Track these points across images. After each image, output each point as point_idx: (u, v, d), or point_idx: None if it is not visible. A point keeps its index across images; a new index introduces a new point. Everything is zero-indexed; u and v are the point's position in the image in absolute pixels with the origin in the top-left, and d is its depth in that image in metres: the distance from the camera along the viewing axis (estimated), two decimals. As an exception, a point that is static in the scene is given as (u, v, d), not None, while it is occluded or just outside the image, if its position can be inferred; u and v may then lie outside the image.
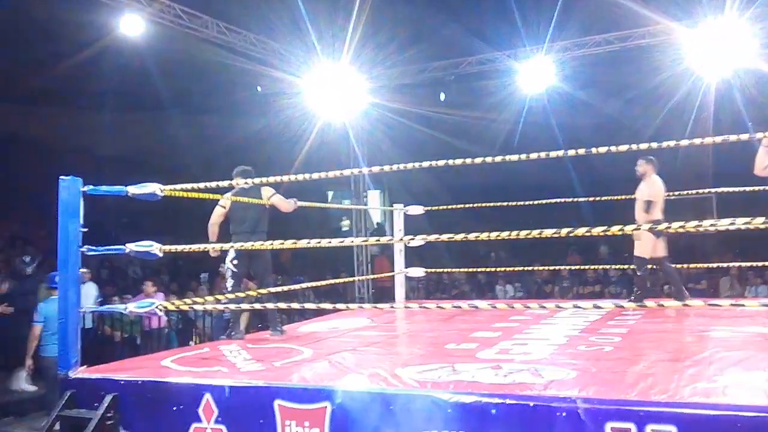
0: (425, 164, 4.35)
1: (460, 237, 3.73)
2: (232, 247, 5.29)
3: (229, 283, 5.46)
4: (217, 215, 5.53)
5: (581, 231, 3.48)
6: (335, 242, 4.44)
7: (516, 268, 11.46)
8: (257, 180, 4.97)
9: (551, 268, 11.39)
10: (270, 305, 5.12)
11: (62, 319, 3.96)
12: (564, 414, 2.77)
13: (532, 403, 2.86)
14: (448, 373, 3.50)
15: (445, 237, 3.79)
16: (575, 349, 4.21)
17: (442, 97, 15.19)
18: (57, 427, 3.66)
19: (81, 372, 3.84)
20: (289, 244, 4.21)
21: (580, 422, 2.74)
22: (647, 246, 6.37)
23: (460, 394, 3.00)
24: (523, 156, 4.08)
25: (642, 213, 6.24)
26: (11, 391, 7.92)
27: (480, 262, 15.04)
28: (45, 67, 11.26)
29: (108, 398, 3.56)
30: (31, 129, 13.32)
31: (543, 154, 4.04)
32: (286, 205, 5.58)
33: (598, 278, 13.38)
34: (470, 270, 12.22)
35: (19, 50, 11.30)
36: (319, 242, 4.16)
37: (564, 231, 3.49)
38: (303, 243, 4.12)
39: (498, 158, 4.21)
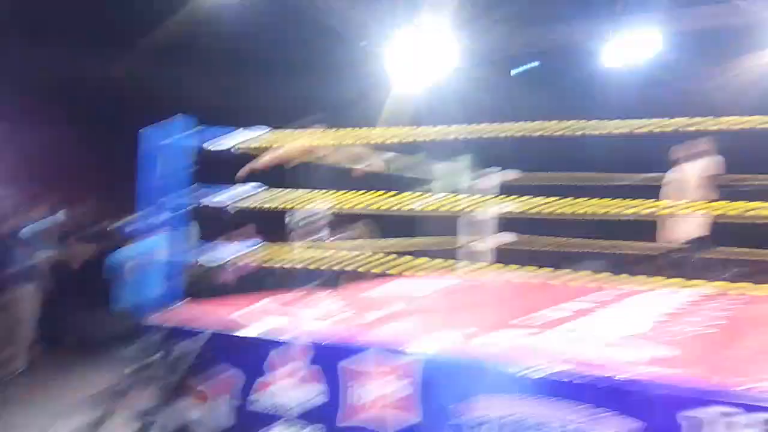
0: (516, 129, 4.26)
1: (540, 205, 3.66)
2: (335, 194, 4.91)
3: (325, 233, 5.33)
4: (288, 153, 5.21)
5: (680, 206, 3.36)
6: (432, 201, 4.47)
7: (605, 241, 11.14)
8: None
9: (640, 244, 10.99)
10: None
11: (165, 262, 4.30)
12: (637, 396, 2.71)
13: (605, 384, 2.81)
14: (522, 342, 3.48)
15: (538, 202, 3.72)
16: (658, 331, 4.04)
17: (531, 65, 14.77)
18: (147, 364, 3.90)
19: (170, 314, 4.05)
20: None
21: (653, 406, 2.68)
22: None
23: (531, 366, 2.99)
24: (621, 128, 3.95)
25: (702, 191, 6.37)
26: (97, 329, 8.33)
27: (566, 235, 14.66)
28: (148, 23, 11.66)
29: (196, 338, 3.77)
30: (133, 86, 13.80)
31: (643, 127, 3.90)
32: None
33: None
34: (558, 241, 11.97)
35: (123, 9, 11.70)
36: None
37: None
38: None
39: (591, 128, 4.07)
